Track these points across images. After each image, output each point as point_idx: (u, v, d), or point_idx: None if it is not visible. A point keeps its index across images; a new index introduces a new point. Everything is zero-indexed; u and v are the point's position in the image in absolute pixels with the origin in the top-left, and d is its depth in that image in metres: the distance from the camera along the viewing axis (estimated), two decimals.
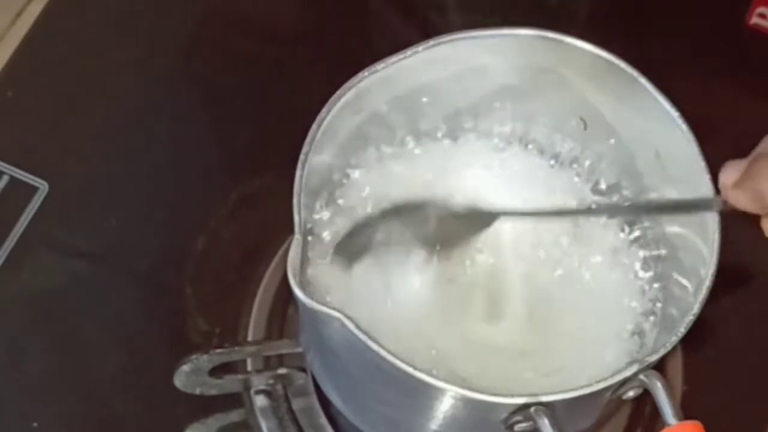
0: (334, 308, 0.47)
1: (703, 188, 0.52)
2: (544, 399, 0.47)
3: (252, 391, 0.64)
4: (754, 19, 0.78)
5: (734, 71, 0.76)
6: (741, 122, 0.74)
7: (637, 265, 0.58)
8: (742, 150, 0.74)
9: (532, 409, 0.47)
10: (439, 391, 0.47)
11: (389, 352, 0.46)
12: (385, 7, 0.79)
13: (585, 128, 0.59)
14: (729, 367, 0.66)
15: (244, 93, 0.76)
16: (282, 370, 0.63)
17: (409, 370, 0.46)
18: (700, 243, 0.52)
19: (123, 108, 0.74)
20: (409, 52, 0.54)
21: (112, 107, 0.74)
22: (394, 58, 0.54)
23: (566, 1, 0.78)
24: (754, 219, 0.51)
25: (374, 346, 0.46)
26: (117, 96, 0.75)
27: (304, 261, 0.50)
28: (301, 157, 0.51)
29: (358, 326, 0.47)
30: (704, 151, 0.53)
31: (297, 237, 0.49)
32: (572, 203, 0.60)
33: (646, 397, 0.50)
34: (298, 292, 0.47)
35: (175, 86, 0.77)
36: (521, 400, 0.47)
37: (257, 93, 0.75)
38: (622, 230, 0.59)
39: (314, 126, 0.52)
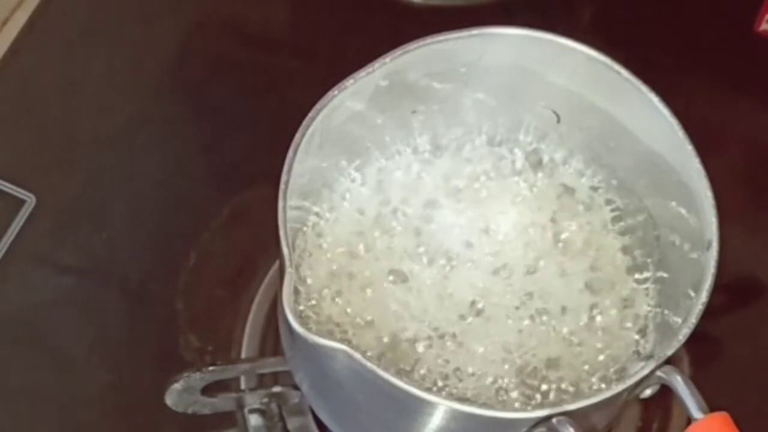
0: (337, 341, 0.47)
1: (705, 202, 0.52)
2: (567, 408, 0.47)
3: (246, 410, 0.63)
4: (764, 26, 0.77)
5: (742, 79, 0.76)
6: (749, 132, 0.74)
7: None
8: (749, 161, 0.74)
9: (555, 420, 0.47)
10: (460, 414, 0.47)
11: (405, 380, 0.46)
12: (379, 15, 0.79)
13: (558, 121, 0.58)
14: (737, 384, 0.66)
15: (235, 103, 0.75)
16: (277, 389, 0.62)
17: (432, 398, 0.47)
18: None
19: (112, 119, 0.74)
20: (399, 51, 0.53)
21: (100, 118, 0.74)
22: (387, 58, 0.53)
23: (570, 5, 0.78)
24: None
25: (386, 376, 0.46)
26: (106, 106, 0.74)
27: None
28: (282, 186, 0.50)
29: (365, 356, 0.46)
30: (711, 162, 0.52)
31: (289, 270, 0.48)
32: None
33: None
34: (299, 329, 0.47)
35: (165, 96, 0.76)
36: (544, 413, 0.47)
37: (249, 103, 0.75)
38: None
39: (290, 153, 0.51)
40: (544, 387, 0.54)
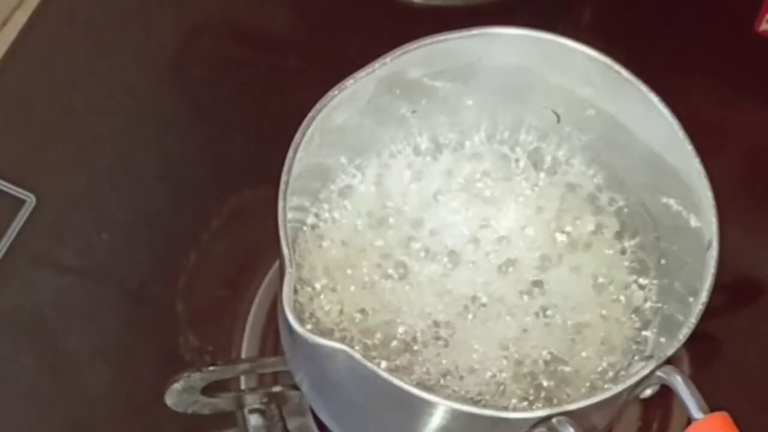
0: (337, 341, 0.47)
1: (705, 202, 0.52)
2: (567, 408, 0.47)
3: (246, 410, 0.63)
4: (764, 26, 0.77)
5: (742, 79, 0.76)
6: (749, 132, 0.74)
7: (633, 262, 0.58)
8: (749, 161, 0.74)
9: (555, 420, 0.47)
10: (460, 414, 0.47)
11: (405, 380, 0.46)
12: (379, 15, 0.79)
13: (558, 121, 0.58)
14: (737, 384, 0.66)
15: (236, 103, 0.75)
16: (276, 389, 0.63)
17: (432, 398, 0.47)
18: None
19: (112, 119, 0.74)
20: (399, 51, 0.53)
21: (101, 118, 0.73)
22: (387, 58, 0.53)
23: (570, 5, 0.78)
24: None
25: (386, 376, 0.46)
26: (106, 106, 0.74)
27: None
28: (282, 187, 0.50)
29: (365, 356, 0.46)
30: (711, 162, 0.52)
31: (289, 270, 0.48)
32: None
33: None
34: (299, 329, 0.46)
35: (166, 97, 0.76)
36: (544, 413, 0.47)
37: (249, 103, 0.75)
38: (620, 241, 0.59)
39: (290, 152, 0.51)
40: (544, 384, 0.54)
